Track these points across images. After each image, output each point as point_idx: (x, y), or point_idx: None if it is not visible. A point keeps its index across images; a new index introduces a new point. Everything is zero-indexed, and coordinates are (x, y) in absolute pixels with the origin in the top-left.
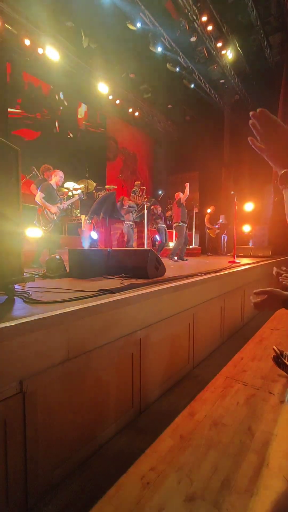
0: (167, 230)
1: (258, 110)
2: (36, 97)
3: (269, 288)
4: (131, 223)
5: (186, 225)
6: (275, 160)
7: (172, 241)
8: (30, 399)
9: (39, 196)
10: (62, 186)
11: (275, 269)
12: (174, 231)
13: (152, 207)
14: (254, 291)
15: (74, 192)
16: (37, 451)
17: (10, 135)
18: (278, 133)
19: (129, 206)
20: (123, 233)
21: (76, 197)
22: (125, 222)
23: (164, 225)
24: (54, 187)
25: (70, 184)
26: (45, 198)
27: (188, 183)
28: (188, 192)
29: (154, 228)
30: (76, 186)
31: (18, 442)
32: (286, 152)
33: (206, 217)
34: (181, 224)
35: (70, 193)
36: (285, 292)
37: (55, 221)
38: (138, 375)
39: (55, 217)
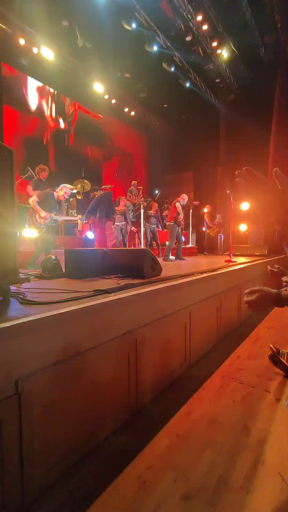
0: (163, 230)
1: (244, 168)
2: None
3: (259, 287)
4: (122, 223)
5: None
6: (268, 215)
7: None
8: (25, 399)
9: (33, 200)
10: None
11: (269, 267)
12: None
13: (151, 204)
14: (245, 291)
15: (71, 192)
16: (33, 452)
17: (6, 136)
18: (268, 191)
19: (124, 207)
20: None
21: (77, 218)
22: (115, 223)
23: (153, 225)
24: (55, 198)
25: (67, 185)
26: (39, 203)
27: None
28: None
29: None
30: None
31: (14, 443)
32: (279, 208)
33: (206, 216)
34: (172, 223)
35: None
36: (273, 290)
37: (43, 226)
38: (134, 375)
39: (42, 221)
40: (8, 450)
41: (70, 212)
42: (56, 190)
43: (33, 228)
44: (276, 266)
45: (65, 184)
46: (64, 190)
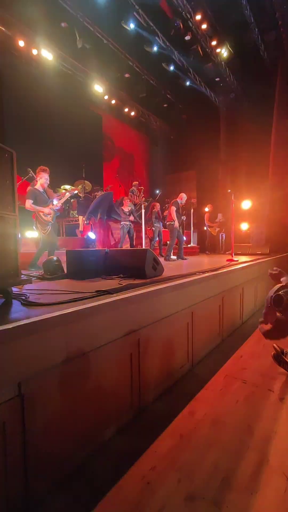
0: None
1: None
2: (30, 97)
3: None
4: (127, 223)
5: (179, 224)
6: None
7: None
8: (28, 401)
9: (28, 203)
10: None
11: (269, 270)
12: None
13: (152, 204)
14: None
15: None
16: (36, 453)
17: (5, 138)
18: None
19: (128, 207)
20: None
21: (67, 194)
22: (121, 223)
23: (158, 225)
24: (41, 190)
25: (67, 187)
26: (34, 203)
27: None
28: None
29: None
30: (68, 187)
31: (18, 445)
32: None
33: (206, 215)
34: (173, 223)
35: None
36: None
37: (51, 223)
38: (137, 375)
39: (49, 218)
40: (12, 452)
41: (71, 213)
42: (36, 181)
43: (40, 231)
44: (275, 268)
45: (40, 172)
46: (43, 177)
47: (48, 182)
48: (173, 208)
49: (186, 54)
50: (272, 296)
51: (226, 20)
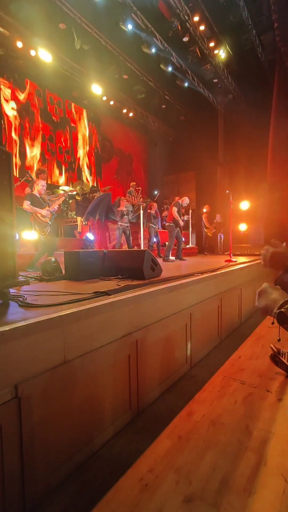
0: (163, 230)
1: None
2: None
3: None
4: (126, 224)
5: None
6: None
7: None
8: (25, 403)
9: (26, 204)
10: (56, 189)
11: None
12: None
13: (149, 204)
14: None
15: (70, 194)
16: (34, 456)
17: (4, 138)
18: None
19: (125, 208)
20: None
21: (62, 197)
22: (118, 223)
23: (154, 226)
24: (38, 195)
25: (65, 188)
26: (32, 204)
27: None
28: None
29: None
30: (67, 188)
31: (15, 447)
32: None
33: (204, 216)
34: (172, 224)
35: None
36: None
37: (49, 224)
38: (135, 377)
39: (47, 219)
40: (9, 455)
41: (69, 214)
42: (34, 187)
43: (38, 232)
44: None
45: (37, 179)
46: (40, 184)
47: (45, 189)
48: (175, 209)
49: (184, 56)
50: (276, 312)
51: (224, 22)
